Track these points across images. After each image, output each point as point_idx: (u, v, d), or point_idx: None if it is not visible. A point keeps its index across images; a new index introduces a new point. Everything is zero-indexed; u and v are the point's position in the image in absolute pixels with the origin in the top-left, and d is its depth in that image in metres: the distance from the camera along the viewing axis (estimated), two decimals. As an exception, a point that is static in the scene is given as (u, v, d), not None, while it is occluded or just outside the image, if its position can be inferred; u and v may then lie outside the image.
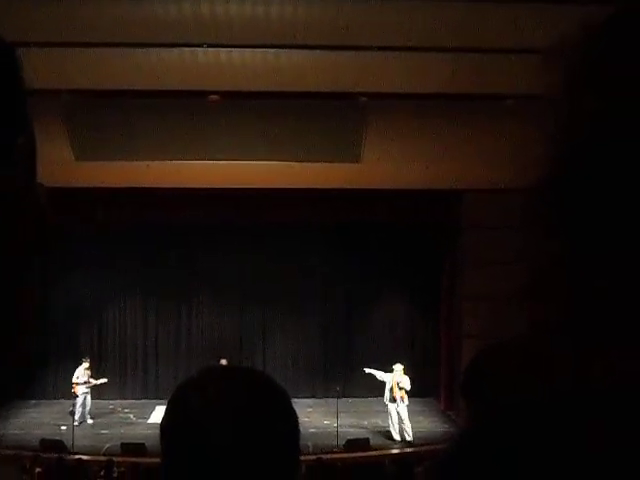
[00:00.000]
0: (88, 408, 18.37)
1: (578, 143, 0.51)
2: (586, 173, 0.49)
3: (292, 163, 15.31)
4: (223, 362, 17.98)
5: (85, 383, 18.21)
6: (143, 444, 14.73)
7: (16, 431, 17.20)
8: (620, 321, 0.47)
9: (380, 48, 12.65)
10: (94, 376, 18.49)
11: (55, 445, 14.98)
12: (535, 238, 0.52)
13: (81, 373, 18.35)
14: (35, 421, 18.19)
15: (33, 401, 19.60)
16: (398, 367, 17.55)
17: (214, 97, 13.98)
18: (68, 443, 15.48)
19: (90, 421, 18.27)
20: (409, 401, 19.15)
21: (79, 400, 18.04)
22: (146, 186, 16.74)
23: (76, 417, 17.50)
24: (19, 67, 0.61)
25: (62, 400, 19.16)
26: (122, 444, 15.15)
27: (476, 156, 15.13)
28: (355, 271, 20.67)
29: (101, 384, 18.57)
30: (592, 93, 0.51)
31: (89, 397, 18.38)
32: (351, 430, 16.84)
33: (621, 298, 0.47)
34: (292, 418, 1.46)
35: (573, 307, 0.50)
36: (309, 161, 15.25)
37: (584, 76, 0.52)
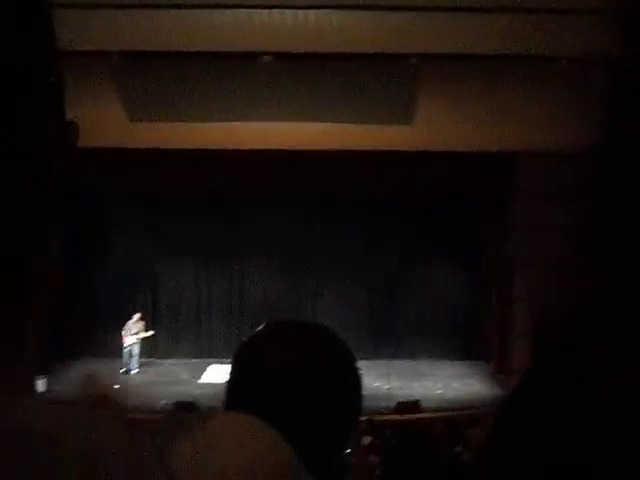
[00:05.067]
0: (135, 358, 18.88)
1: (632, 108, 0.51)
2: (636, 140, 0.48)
3: (343, 125, 15.26)
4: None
5: (135, 334, 18.75)
6: (194, 403, 15.01)
7: (71, 388, 17.52)
8: None
9: (432, 9, 12.53)
10: (146, 330, 19.08)
11: (110, 403, 15.22)
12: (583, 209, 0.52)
13: (131, 325, 19.06)
14: (89, 379, 18.50)
15: (87, 358, 19.94)
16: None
17: (267, 58, 13.96)
18: (121, 402, 15.74)
19: (136, 370, 18.74)
20: (459, 364, 19.25)
21: (126, 350, 18.57)
22: (198, 147, 16.85)
23: (123, 366, 18.11)
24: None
25: (116, 358, 19.50)
26: (176, 402, 15.39)
27: (530, 119, 14.96)
28: (405, 234, 20.62)
29: (149, 337, 19.05)
30: None
31: (137, 348, 18.90)
32: (401, 392, 16.90)
33: None
34: (358, 376, 1.48)
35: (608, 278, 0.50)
36: (360, 123, 15.18)
37: None
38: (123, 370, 18.45)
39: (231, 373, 1.51)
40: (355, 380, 1.48)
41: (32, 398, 0.65)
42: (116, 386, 17.44)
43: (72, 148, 0.67)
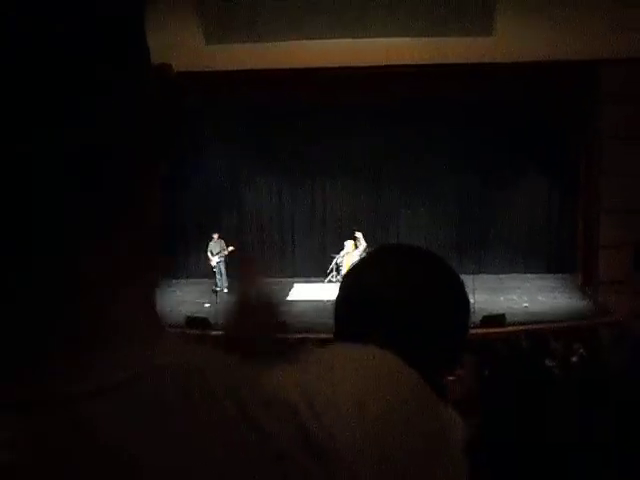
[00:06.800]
0: (224, 278, 19.24)
1: None
2: None
3: (423, 38, 15.01)
4: (358, 235, 18.64)
5: (218, 253, 19.18)
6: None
7: (162, 309, 17.91)
8: None
9: None
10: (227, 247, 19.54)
11: (200, 322, 15.60)
12: None
13: (213, 245, 19.58)
14: (180, 299, 18.92)
15: (176, 280, 20.36)
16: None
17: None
18: (212, 320, 16.10)
19: (225, 290, 19.13)
20: (545, 277, 19.12)
21: (216, 270, 18.95)
22: (276, 67, 16.80)
23: (217, 287, 18.57)
24: None
25: (205, 279, 19.88)
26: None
27: (613, 24, 14.47)
28: (489, 148, 20.33)
29: (230, 253, 19.35)
30: None
31: (223, 267, 19.24)
32: (486, 306, 16.87)
33: None
34: (466, 301, 1.50)
35: None
36: (440, 35, 14.91)
37: None
38: (212, 289, 18.86)
39: (339, 293, 1.53)
40: (464, 302, 1.49)
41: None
42: (207, 305, 17.88)
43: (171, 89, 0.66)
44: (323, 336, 11.12)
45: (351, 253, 18.92)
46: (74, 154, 0.55)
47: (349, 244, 19.37)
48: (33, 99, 0.53)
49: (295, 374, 0.63)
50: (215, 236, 19.65)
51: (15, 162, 0.53)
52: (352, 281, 1.53)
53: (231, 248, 19.42)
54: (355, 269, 1.57)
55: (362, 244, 19.11)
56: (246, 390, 0.59)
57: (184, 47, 14.77)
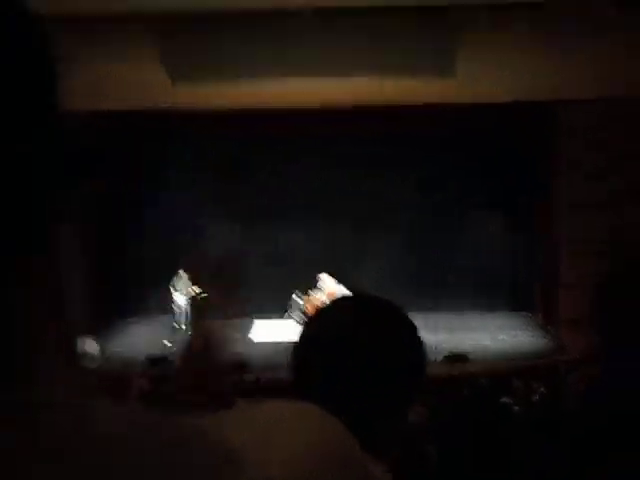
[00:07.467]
0: (183, 316, 19.03)
1: None
2: None
3: (384, 79, 15.12)
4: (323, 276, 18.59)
5: (183, 292, 19.14)
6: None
7: (121, 349, 17.68)
8: None
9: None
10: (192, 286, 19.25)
11: (160, 361, 15.48)
12: None
13: (178, 282, 19.42)
14: (138, 339, 18.71)
15: (134, 319, 20.14)
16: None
17: (305, 14, 13.85)
18: (172, 359, 15.96)
19: (184, 328, 18.96)
20: (506, 316, 19.19)
21: (175, 308, 19.18)
22: (238, 107, 16.86)
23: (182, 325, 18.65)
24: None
25: (162, 316, 19.64)
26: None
27: (575, 67, 14.72)
28: (449, 183, 20.43)
29: (198, 294, 19.21)
30: None
31: (187, 305, 19.09)
32: (448, 345, 16.87)
33: None
34: (422, 350, 1.53)
35: None
36: (402, 76, 15.03)
37: None
38: (176, 327, 18.68)
39: (301, 335, 1.56)
40: (419, 346, 1.53)
41: (75, 359, 0.65)
42: (168, 344, 17.68)
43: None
44: (280, 376, 11.12)
45: (324, 289, 18.80)
46: (75, 154, 0.56)
47: (325, 279, 19.22)
48: (33, 99, 0.53)
49: (225, 432, 0.63)
50: (180, 272, 19.43)
51: (15, 162, 0.52)
52: (315, 325, 1.56)
53: (198, 290, 19.24)
54: (318, 315, 1.60)
55: (331, 283, 19.10)
56: (141, 441, 0.58)
57: (149, 86, 14.80)
